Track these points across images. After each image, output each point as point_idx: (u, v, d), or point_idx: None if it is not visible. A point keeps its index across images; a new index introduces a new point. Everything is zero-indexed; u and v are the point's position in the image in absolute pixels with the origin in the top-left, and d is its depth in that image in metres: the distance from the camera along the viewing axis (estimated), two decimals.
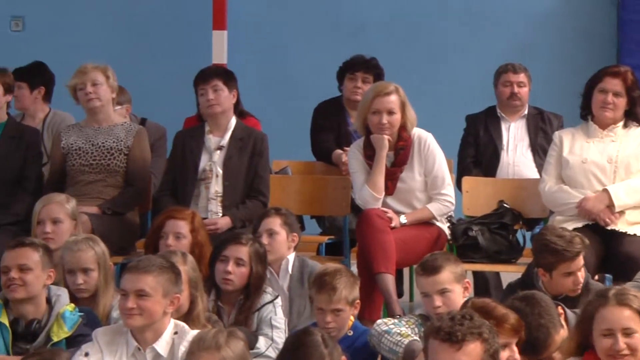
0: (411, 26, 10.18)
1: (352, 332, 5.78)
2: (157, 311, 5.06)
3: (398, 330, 5.54)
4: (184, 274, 5.48)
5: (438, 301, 5.52)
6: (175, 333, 5.14)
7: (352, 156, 7.40)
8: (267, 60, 10.06)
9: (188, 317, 5.46)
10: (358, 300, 5.82)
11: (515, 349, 4.84)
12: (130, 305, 5.02)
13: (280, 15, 10.28)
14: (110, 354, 5.08)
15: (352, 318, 5.83)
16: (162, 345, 5.08)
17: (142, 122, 8.29)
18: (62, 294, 5.75)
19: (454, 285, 5.55)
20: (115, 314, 5.81)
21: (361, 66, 8.28)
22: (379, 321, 5.71)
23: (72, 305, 5.70)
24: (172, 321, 5.18)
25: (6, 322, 5.58)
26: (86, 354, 5.04)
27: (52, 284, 5.90)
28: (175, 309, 5.17)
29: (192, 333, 5.10)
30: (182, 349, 5.02)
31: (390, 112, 7.19)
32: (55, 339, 5.49)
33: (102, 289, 6.02)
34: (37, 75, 8.31)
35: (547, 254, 5.97)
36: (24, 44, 9.72)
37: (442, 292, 5.52)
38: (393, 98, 7.20)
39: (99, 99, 7.60)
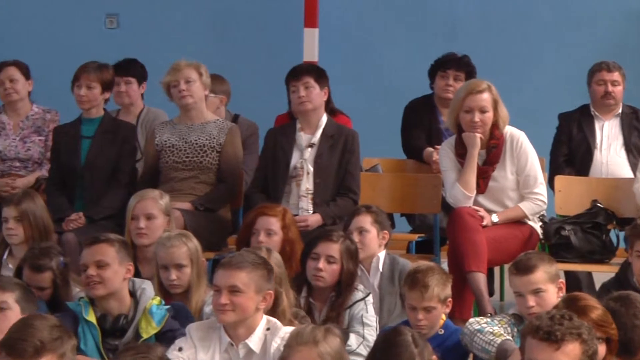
0: (503, 24, 10.12)
1: (443, 331, 5.74)
2: (249, 307, 5.06)
3: (491, 329, 5.49)
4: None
5: (532, 301, 5.46)
6: (268, 329, 5.15)
7: (443, 154, 7.35)
8: (358, 58, 10.06)
9: (273, 312, 5.45)
10: (450, 299, 5.79)
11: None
12: (224, 301, 5.03)
13: (371, 13, 10.26)
14: (203, 349, 5.11)
15: (443, 317, 5.79)
16: (254, 341, 5.09)
17: (235, 118, 8.31)
18: (147, 287, 5.76)
19: (548, 285, 5.49)
20: (207, 309, 5.83)
21: (453, 64, 8.23)
22: (471, 320, 5.67)
23: (158, 299, 5.72)
24: (265, 317, 5.19)
25: (94, 320, 5.59)
26: (180, 349, 5.07)
27: (145, 278, 5.94)
28: (268, 305, 5.17)
29: (284, 329, 5.11)
30: (275, 345, 5.04)
31: (483, 110, 7.13)
32: (144, 336, 5.50)
33: (194, 285, 6.05)
34: (142, 71, 8.36)
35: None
36: (119, 41, 9.81)
37: (536, 292, 5.47)
38: (485, 96, 7.14)
39: (192, 96, 7.64)
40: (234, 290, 5.05)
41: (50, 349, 3.96)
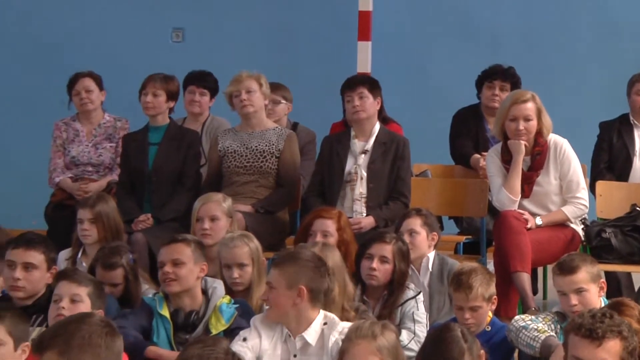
0: (547, 36, 10.07)
1: (490, 328, 5.73)
2: (282, 303, 5.13)
3: (535, 326, 5.49)
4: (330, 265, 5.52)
5: (574, 300, 5.45)
6: (325, 324, 5.18)
7: (490, 160, 7.34)
8: (409, 69, 10.05)
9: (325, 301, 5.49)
10: (495, 297, 5.78)
11: None
12: (263, 296, 5.20)
13: (420, 27, 10.25)
14: (267, 338, 5.16)
15: (490, 314, 5.79)
16: (311, 335, 5.13)
17: (294, 126, 8.34)
18: (218, 286, 5.81)
19: (590, 285, 5.48)
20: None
21: (499, 75, 8.22)
22: (516, 317, 5.67)
23: (228, 297, 5.76)
24: (322, 312, 5.22)
25: (167, 314, 5.65)
26: (244, 339, 5.13)
27: (209, 277, 5.98)
28: (305, 299, 5.14)
29: (342, 324, 5.14)
30: (333, 339, 5.07)
31: (527, 119, 7.12)
32: (214, 332, 5.54)
33: (255, 283, 6.09)
34: (215, 85, 8.41)
35: None
36: (184, 53, 9.87)
37: (579, 291, 5.46)
38: (530, 105, 7.13)
39: (252, 106, 7.68)
40: (269, 286, 5.15)
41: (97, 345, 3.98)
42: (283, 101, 8.30)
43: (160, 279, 5.73)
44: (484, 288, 5.67)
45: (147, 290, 6.24)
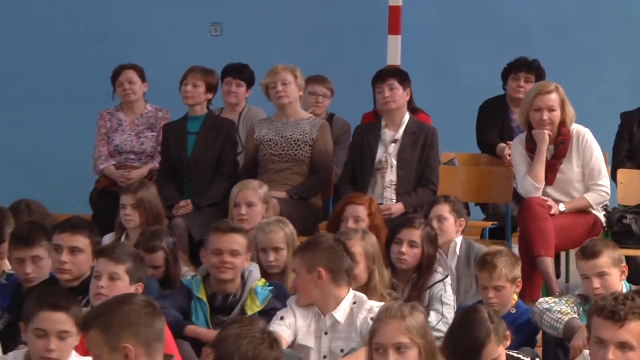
0: (570, 30, 10.02)
1: (515, 310, 5.74)
2: (306, 287, 5.22)
3: (558, 308, 5.49)
4: (361, 249, 5.53)
5: (597, 283, 5.46)
6: (354, 303, 5.21)
7: (515, 149, 7.32)
8: (437, 61, 10.03)
9: (366, 287, 5.52)
10: (519, 280, 5.78)
11: None
12: (292, 283, 5.19)
13: (448, 21, 10.22)
14: (302, 317, 5.23)
15: (515, 297, 5.78)
16: (339, 313, 5.19)
17: (330, 117, 8.34)
18: (254, 270, 5.84)
19: (612, 269, 5.48)
20: None
21: (524, 67, 8.19)
22: (540, 300, 5.67)
23: (263, 280, 5.79)
24: (352, 292, 5.26)
25: (204, 297, 5.68)
26: (281, 318, 5.19)
27: None
28: (323, 281, 5.18)
29: (370, 303, 5.18)
30: (361, 317, 5.12)
31: (551, 109, 7.09)
32: (249, 313, 5.58)
33: (290, 266, 6.07)
34: (251, 77, 8.42)
35: None
36: (222, 47, 9.87)
37: (601, 274, 5.46)
38: (553, 96, 7.11)
39: (288, 97, 7.69)
40: (294, 272, 5.23)
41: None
42: (330, 96, 8.31)
43: (214, 265, 5.71)
44: (508, 269, 5.68)
45: (187, 272, 6.26)
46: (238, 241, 5.70)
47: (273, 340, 4.27)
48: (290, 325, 5.15)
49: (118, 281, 5.09)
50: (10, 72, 10.36)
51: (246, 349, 4.16)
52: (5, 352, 4.93)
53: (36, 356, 4.49)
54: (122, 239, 6.80)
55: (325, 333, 5.18)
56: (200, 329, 5.57)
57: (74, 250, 5.53)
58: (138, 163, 8.21)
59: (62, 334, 4.46)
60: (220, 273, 5.67)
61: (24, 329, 4.53)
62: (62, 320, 4.45)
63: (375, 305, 5.14)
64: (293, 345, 5.16)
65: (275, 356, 4.27)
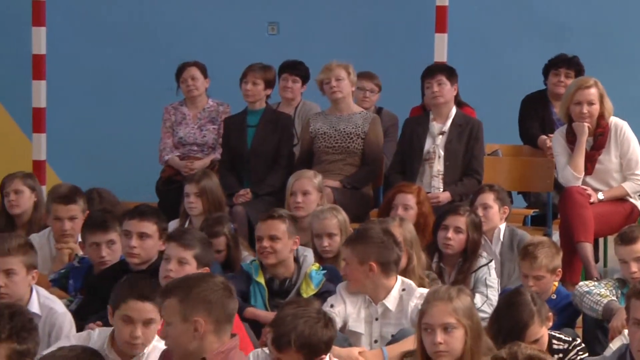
0: (608, 27, 9.91)
1: (555, 296, 5.71)
2: (357, 277, 5.18)
3: (598, 291, 5.47)
4: (400, 236, 5.52)
5: (634, 267, 5.44)
6: (404, 290, 5.19)
7: (556, 141, 7.28)
8: (481, 58, 9.96)
9: (405, 270, 5.50)
10: (559, 269, 5.73)
11: None
12: (342, 272, 5.21)
13: (491, 19, 10.17)
14: (351, 305, 5.20)
15: (555, 284, 5.75)
16: (390, 301, 5.17)
17: (379, 110, 8.33)
18: (309, 255, 5.85)
19: None
20: None
21: (564, 63, 8.13)
22: (581, 283, 5.66)
23: (317, 264, 5.79)
24: (400, 279, 5.24)
25: (262, 281, 5.70)
26: (331, 305, 5.15)
27: (302, 245, 6.01)
28: (376, 272, 5.16)
29: (419, 290, 5.15)
30: (412, 304, 5.08)
31: (590, 103, 7.04)
32: (304, 296, 5.57)
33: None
34: (307, 73, 8.42)
35: None
36: (279, 45, 9.87)
37: (638, 259, 5.43)
38: (593, 91, 7.05)
39: (341, 92, 7.69)
40: (345, 262, 5.22)
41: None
42: (378, 91, 8.29)
43: (257, 251, 5.76)
44: (548, 260, 5.65)
45: (247, 256, 6.28)
46: (276, 227, 5.69)
47: (328, 320, 4.30)
48: (339, 313, 5.12)
49: (186, 265, 5.12)
50: (84, 70, 10.43)
51: (303, 328, 4.18)
52: (78, 330, 4.98)
53: (122, 340, 4.53)
54: (186, 225, 6.83)
55: (376, 319, 5.16)
56: (259, 311, 5.60)
57: (142, 235, 5.57)
58: (201, 154, 8.24)
59: (148, 322, 4.49)
60: (262, 257, 5.69)
61: (111, 313, 4.57)
62: (148, 309, 4.48)
63: (423, 292, 5.11)
64: (343, 331, 5.14)
65: (330, 335, 4.30)
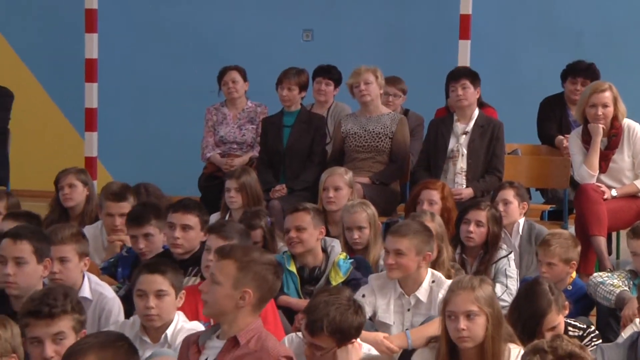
0: (621, 33, 9.84)
1: (571, 287, 5.68)
2: (411, 266, 5.12)
3: (611, 282, 5.44)
4: (432, 230, 5.50)
5: None
6: (433, 281, 5.17)
7: (572, 141, 7.22)
8: (502, 63, 9.92)
9: (436, 262, 5.48)
10: (574, 261, 5.70)
11: None
12: (391, 261, 5.10)
13: (512, 27, 10.13)
14: (381, 297, 5.18)
15: (573, 275, 5.72)
16: (422, 293, 5.15)
17: (406, 112, 8.31)
18: (336, 245, 5.84)
19: None
20: (382, 262, 5.86)
21: (582, 73, 8.04)
22: (595, 274, 5.62)
23: (344, 254, 5.79)
24: (430, 271, 5.21)
25: (294, 270, 5.70)
26: (363, 295, 5.14)
27: (334, 237, 6.00)
28: (428, 263, 5.17)
29: (447, 282, 5.11)
30: (440, 295, 5.04)
31: (605, 106, 6.99)
32: (333, 283, 5.58)
33: (372, 242, 6.10)
34: (339, 77, 8.40)
35: None
36: (313, 51, 9.87)
37: None
38: (607, 94, 7.00)
39: (370, 95, 7.67)
40: (398, 253, 5.09)
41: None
42: (401, 94, 8.27)
43: (286, 242, 5.77)
44: (562, 250, 5.63)
45: (282, 247, 6.28)
46: (302, 218, 5.69)
47: (358, 307, 4.30)
48: (370, 303, 5.11)
49: None
50: (132, 73, 10.50)
51: (334, 315, 4.19)
52: (127, 316, 5.01)
53: (140, 315, 4.56)
54: (227, 218, 6.84)
55: (408, 310, 5.14)
56: (292, 299, 5.61)
57: (185, 227, 5.58)
58: (240, 152, 8.25)
59: (159, 293, 4.49)
60: (290, 247, 5.71)
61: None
62: (158, 281, 4.50)
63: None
64: (373, 320, 5.12)
65: (360, 321, 4.30)
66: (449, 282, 5.07)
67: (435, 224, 5.69)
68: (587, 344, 4.76)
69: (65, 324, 4.03)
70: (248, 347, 3.91)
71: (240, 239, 5.17)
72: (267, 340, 3.94)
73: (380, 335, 4.86)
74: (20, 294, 4.67)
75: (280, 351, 3.93)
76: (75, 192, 6.71)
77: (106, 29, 9.75)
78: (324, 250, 5.76)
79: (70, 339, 3.98)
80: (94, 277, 5.18)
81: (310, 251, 5.70)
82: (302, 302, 5.39)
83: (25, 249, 4.74)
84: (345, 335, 4.21)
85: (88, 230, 6.18)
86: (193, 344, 4.03)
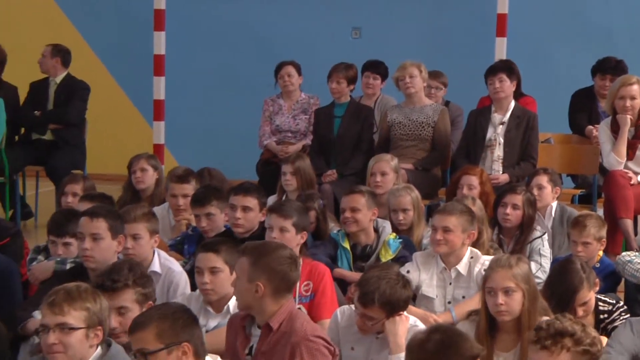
0: None
1: (599, 265, 5.61)
2: (457, 242, 5.12)
3: (638, 260, 5.39)
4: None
5: None
6: (472, 257, 5.16)
7: (601, 131, 7.13)
8: (536, 58, 9.83)
9: (477, 242, 5.45)
10: (604, 239, 5.65)
11: None
12: (439, 237, 5.09)
13: (546, 25, 10.04)
14: (425, 271, 5.17)
15: (600, 253, 5.65)
16: (462, 267, 5.14)
17: (447, 103, 8.25)
18: (387, 226, 5.82)
19: None
20: (425, 241, 5.84)
21: (610, 70, 7.92)
22: (623, 254, 5.57)
23: (394, 234, 5.76)
24: (469, 248, 5.20)
25: (348, 246, 5.69)
26: (407, 271, 5.12)
27: (380, 219, 5.98)
28: (471, 241, 5.16)
29: (483, 257, 5.11)
30: (477, 269, 5.07)
31: (633, 98, 6.90)
32: (383, 260, 5.56)
33: (416, 223, 6.07)
34: (386, 72, 8.32)
35: None
36: (361, 48, 9.84)
37: None
38: (635, 87, 6.92)
39: (414, 88, 7.63)
40: (446, 229, 5.06)
41: None
42: (443, 87, 8.22)
43: (342, 221, 5.76)
44: (596, 229, 5.58)
45: (333, 227, 6.27)
46: (357, 200, 5.65)
47: (406, 282, 4.29)
48: (414, 279, 5.10)
49: (286, 233, 5.07)
50: (197, 68, 10.57)
51: (385, 288, 4.19)
52: (193, 289, 5.02)
53: (199, 289, 4.57)
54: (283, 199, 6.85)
55: (450, 283, 5.13)
56: (345, 272, 5.60)
57: (245, 209, 5.57)
58: (294, 140, 8.25)
59: (213, 270, 4.49)
60: (345, 227, 5.68)
61: None
62: (212, 259, 4.49)
63: (487, 259, 5.07)
64: (416, 294, 5.10)
65: (407, 295, 4.29)
66: (484, 257, 5.08)
67: (477, 208, 5.66)
68: (616, 317, 4.71)
69: (127, 297, 4.06)
70: (280, 331, 3.89)
71: (299, 216, 5.11)
72: (295, 321, 3.90)
73: (428, 313, 4.87)
74: (96, 267, 4.70)
75: (307, 330, 3.88)
76: (146, 175, 6.75)
77: (173, 28, 9.80)
78: (376, 230, 5.74)
79: (134, 311, 4.01)
80: (163, 253, 5.21)
81: (363, 230, 5.68)
82: (355, 275, 5.40)
83: (101, 226, 4.76)
84: (394, 307, 4.21)
85: (156, 210, 6.17)
86: (241, 329, 4.01)
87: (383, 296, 4.18)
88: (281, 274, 3.91)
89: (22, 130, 8.74)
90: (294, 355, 3.81)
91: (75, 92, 8.63)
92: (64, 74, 8.69)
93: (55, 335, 3.56)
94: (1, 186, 8.36)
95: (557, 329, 3.35)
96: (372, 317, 4.22)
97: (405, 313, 4.30)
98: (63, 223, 5.26)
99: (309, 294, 4.90)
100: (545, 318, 4.19)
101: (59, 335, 3.56)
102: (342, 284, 5.45)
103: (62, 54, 8.68)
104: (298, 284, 4.78)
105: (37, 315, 4.44)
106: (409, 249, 5.67)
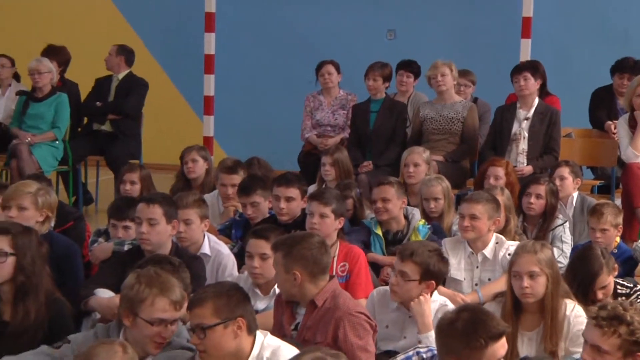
0: None
1: (616, 250, 5.55)
2: (483, 229, 5.09)
3: None
4: (501, 202, 5.42)
5: None
6: (497, 243, 5.13)
7: (619, 126, 7.03)
8: (559, 58, 9.72)
9: (504, 230, 5.42)
10: (621, 226, 5.58)
11: None
12: (466, 224, 5.04)
13: (568, 27, 9.94)
14: (453, 256, 5.16)
15: (617, 239, 5.59)
16: (488, 251, 5.12)
17: (475, 100, 8.19)
18: (416, 213, 5.78)
19: None
20: (455, 227, 5.81)
21: (628, 69, 7.83)
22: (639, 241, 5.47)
23: (423, 220, 5.73)
24: (495, 235, 5.17)
25: (380, 233, 5.67)
26: None
27: (413, 206, 5.94)
28: (498, 227, 5.12)
29: (508, 243, 5.09)
30: (501, 254, 5.07)
31: None
32: None
33: (446, 211, 6.04)
34: (418, 70, 8.28)
35: None
36: (396, 49, 9.79)
37: None
38: None
39: (445, 85, 7.60)
40: (473, 217, 5.04)
41: None
42: (471, 85, 8.16)
43: (374, 211, 5.73)
44: (613, 217, 5.53)
45: (369, 214, 6.25)
46: (387, 191, 5.61)
47: (443, 256, 4.33)
48: None
49: (326, 219, 5.06)
50: (244, 66, 10.59)
51: (423, 250, 4.23)
52: (239, 268, 5.04)
53: (249, 273, 4.60)
54: None
55: (477, 267, 5.11)
56: (378, 256, 5.59)
57: (289, 199, 5.57)
58: (333, 133, 8.24)
59: (263, 256, 4.49)
60: (377, 216, 5.66)
61: None
62: (262, 245, 4.50)
63: (511, 245, 5.05)
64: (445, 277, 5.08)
65: (441, 268, 4.34)
66: (509, 242, 5.05)
67: (504, 197, 5.62)
68: (634, 300, 4.66)
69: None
70: (325, 307, 3.90)
71: (337, 204, 5.10)
72: (339, 298, 3.91)
73: (456, 293, 4.86)
74: (152, 249, 4.73)
75: (350, 306, 3.90)
76: (197, 165, 6.78)
77: (222, 29, 9.82)
78: (406, 217, 5.72)
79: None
80: (213, 237, 5.24)
81: (394, 218, 5.67)
82: (387, 258, 5.40)
83: (156, 211, 4.78)
84: (428, 270, 4.19)
85: (207, 197, 6.20)
86: (287, 307, 4.02)
87: (421, 255, 4.18)
88: (313, 259, 3.91)
89: (85, 120, 8.82)
90: (338, 329, 3.83)
91: (134, 87, 8.69)
92: (127, 71, 8.75)
93: None
94: (65, 174, 8.45)
95: (617, 314, 3.32)
96: (407, 274, 4.18)
97: (428, 295, 4.24)
98: (123, 208, 5.32)
99: (344, 274, 4.89)
100: (567, 300, 4.16)
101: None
102: (376, 267, 5.44)
103: (126, 53, 8.75)
104: (335, 264, 4.79)
105: (100, 292, 4.48)
106: (437, 234, 5.65)
